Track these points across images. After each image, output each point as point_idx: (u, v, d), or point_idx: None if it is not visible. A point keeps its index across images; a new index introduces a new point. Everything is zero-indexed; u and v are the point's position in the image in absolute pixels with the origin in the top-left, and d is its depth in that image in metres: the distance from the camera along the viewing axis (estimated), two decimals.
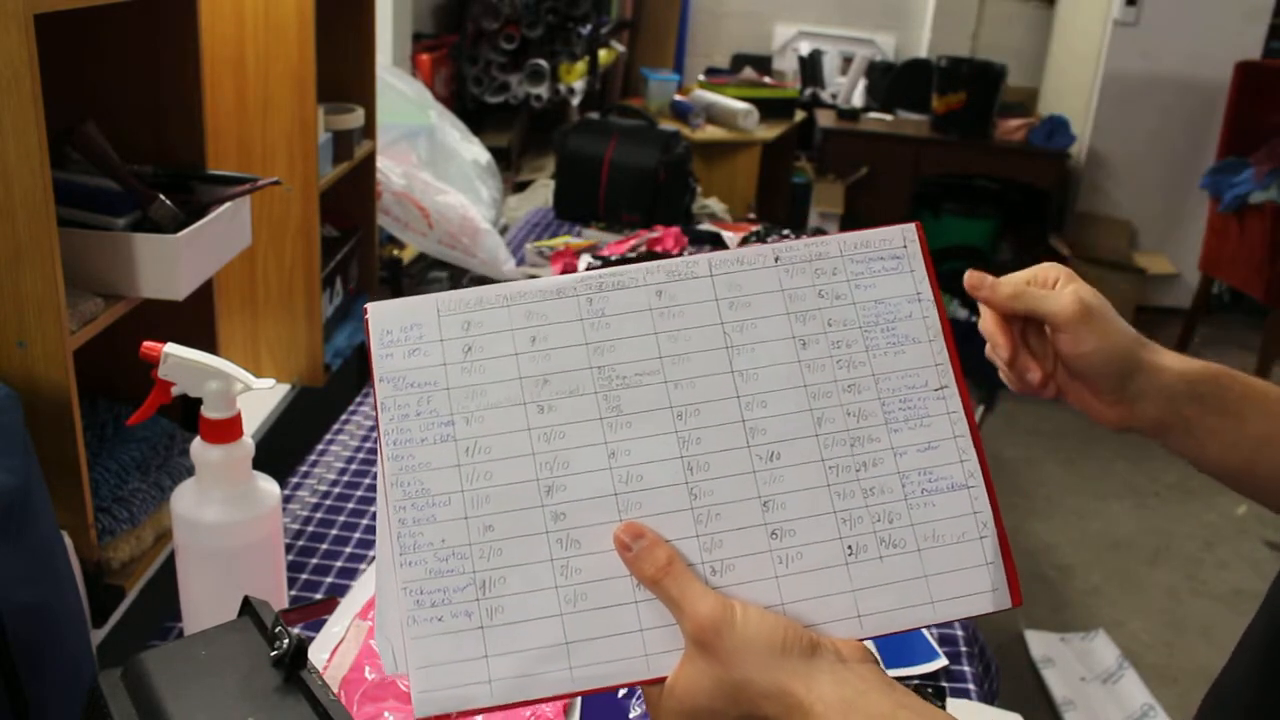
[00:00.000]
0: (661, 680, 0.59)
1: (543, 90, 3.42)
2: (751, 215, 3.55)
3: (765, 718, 0.56)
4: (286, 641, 0.67)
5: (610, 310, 0.63)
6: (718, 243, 2.17)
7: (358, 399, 1.59)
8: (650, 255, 1.98)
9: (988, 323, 0.74)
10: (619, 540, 0.59)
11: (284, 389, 1.64)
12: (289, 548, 1.18)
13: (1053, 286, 0.72)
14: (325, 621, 1.04)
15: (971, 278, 0.71)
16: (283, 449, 1.45)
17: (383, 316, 0.62)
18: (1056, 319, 0.70)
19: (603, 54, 3.95)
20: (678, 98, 3.99)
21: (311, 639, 1.01)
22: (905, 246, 0.66)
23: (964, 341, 0.69)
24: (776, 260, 0.65)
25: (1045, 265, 0.74)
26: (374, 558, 1.18)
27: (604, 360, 0.62)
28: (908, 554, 0.61)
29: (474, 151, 2.47)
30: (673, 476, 0.60)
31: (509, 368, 0.61)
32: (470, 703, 0.58)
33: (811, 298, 0.64)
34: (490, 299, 0.63)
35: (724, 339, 0.63)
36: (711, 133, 3.79)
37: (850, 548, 0.61)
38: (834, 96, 4.89)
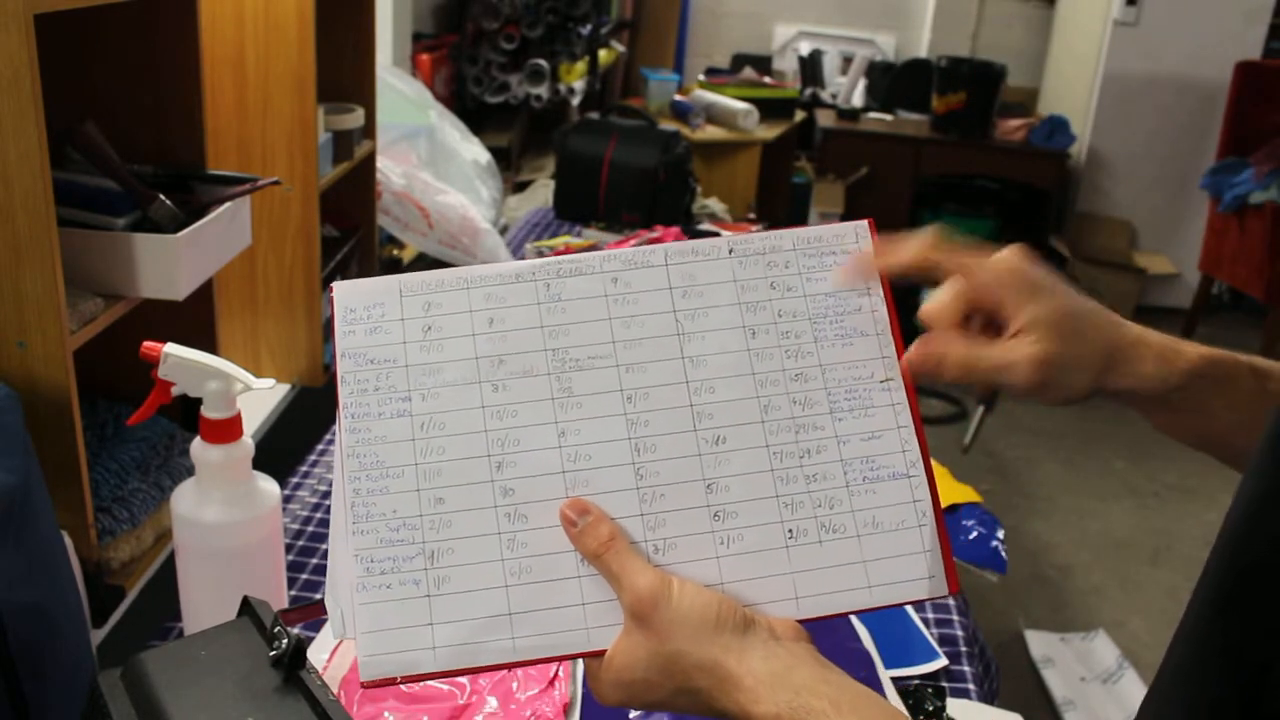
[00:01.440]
0: (602, 653, 0.60)
1: (543, 90, 3.42)
2: (751, 215, 3.55)
3: (697, 689, 0.58)
4: (286, 641, 0.67)
5: (567, 295, 0.65)
6: None
7: None
8: None
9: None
10: (564, 515, 0.61)
11: (284, 389, 1.64)
12: (289, 548, 1.18)
13: (1003, 317, 0.64)
14: (325, 621, 1.04)
15: (914, 363, 0.65)
16: (283, 449, 1.45)
17: (347, 295, 0.65)
18: (1016, 390, 0.64)
19: (603, 54, 3.95)
20: (678, 98, 3.99)
21: (311, 639, 1.01)
22: (857, 243, 0.68)
23: None
24: (730, 252, 0.67)
25: (987, 277, 0.64)
26: None
27: (558, 343, 0.64)
28: (847, 539, 0.63)
29: (474, 151, 2.47)
30: (620, 457, 0.63)
31: (466, 347, 0.64)
32: (415, 668, 0.60)
33: (763, 289, 0.66)
34: (451, 281, 0.65)
35: (676, 326, 0.65)
36: (711, 133, 3.79)
37: (791, 531, 0.63)
38: (834, 96, 4.88)
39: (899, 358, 0.66)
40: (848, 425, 0.64)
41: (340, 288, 0.65)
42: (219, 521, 0.92)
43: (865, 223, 0.68)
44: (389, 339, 0.64)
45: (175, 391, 0.91)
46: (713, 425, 0.63)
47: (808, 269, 0.67)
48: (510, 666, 0.61)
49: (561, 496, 0.62)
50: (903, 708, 0.97)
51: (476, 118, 3.34)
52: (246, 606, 0.73)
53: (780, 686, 0.55)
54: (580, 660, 1.01)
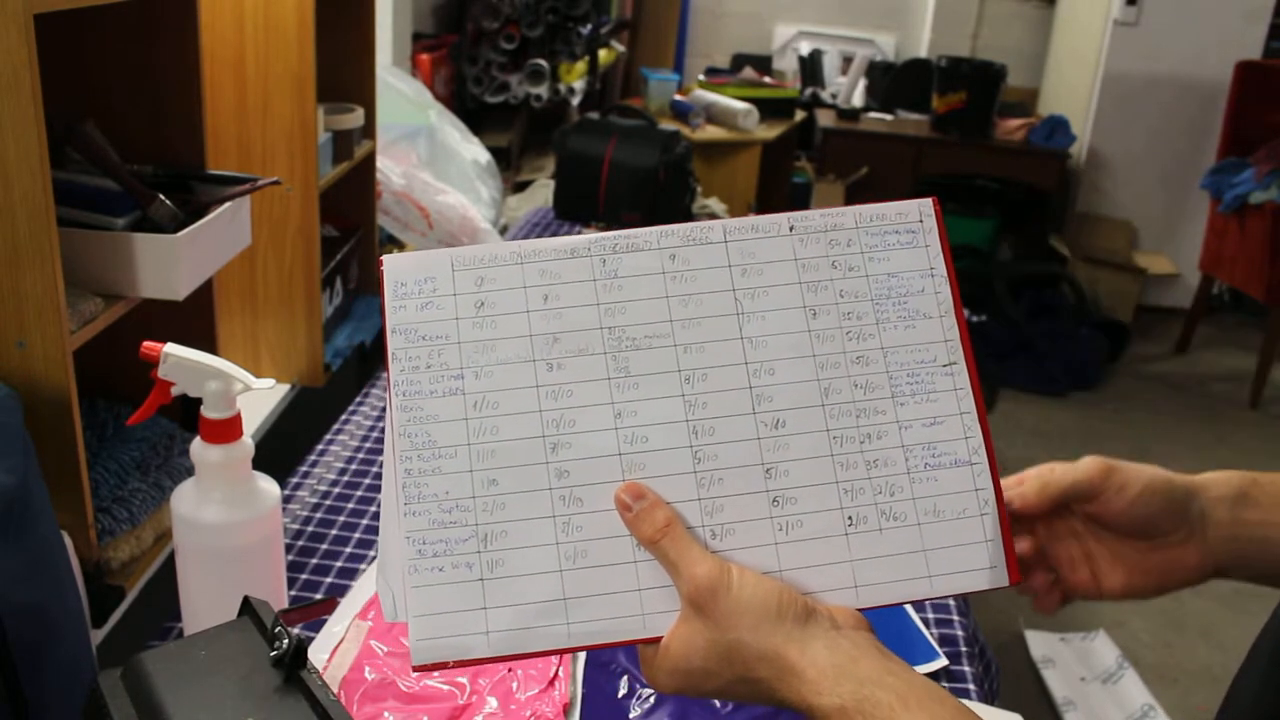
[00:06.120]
0: (657, 640, 0.59)
1: (543, 90, 3.42)
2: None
3: (758, 679, 0.57)
4: (286, 642, 0.67)
5: (623, 272, 0.63)
6: None
7: (358, 399, 1.59)
8: None
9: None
10: (620, 500, 0.60)
11: (284, 389, 1.64)
12: (289, 548, 1.18)
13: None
14: (325, 621, 1.04)
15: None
16: (283, 449, 1.45)
17: (398, 269, 0.63)
18: (1091, 478, 0.69)
19: (603, 54, 3.95)
20: (678, 98, 3.99)
21: (311, 639, 1.01)
22: (921, 221, 0.66)
23: None
24: (791, 229, 0.65)
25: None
26: (374, 558, 1.19)
27: (615, 321, 0.63)
28: (907, 527, 0.62)
29: (474, 151, 2.47)
30: (677, 439, 0.61)
31: (520, 324, 0.62)
32: (467, 653, 0.59)
33: (824, 268, 0.64)
34: (504, 256, 0.63)
35: (735, 305, 0.63)
36: (711, 133, 3.79)
37: (851, 518, 0.61)
38: (834, 96, 4.89)
39: (963, 341, 0.64)
40: (909, 410, 0.63)
41: (390, 261, 0.63)
42: (219, 521, 0.92)
43: (930, 200, 0.66)
44: (441, 314, 0.62)
45: (175, 391, 0.91)
46: (772, 408, 0.62)
47: (870, 247, 0.65)
48: (564, 652, 0.60)
49: (618, 479, 0.60)
50: None
51: (476, 118, 3.34)
52: (247, 606, 0.73)
53: (844, 678, 0.55)
54: (582, 660, 1.01)
